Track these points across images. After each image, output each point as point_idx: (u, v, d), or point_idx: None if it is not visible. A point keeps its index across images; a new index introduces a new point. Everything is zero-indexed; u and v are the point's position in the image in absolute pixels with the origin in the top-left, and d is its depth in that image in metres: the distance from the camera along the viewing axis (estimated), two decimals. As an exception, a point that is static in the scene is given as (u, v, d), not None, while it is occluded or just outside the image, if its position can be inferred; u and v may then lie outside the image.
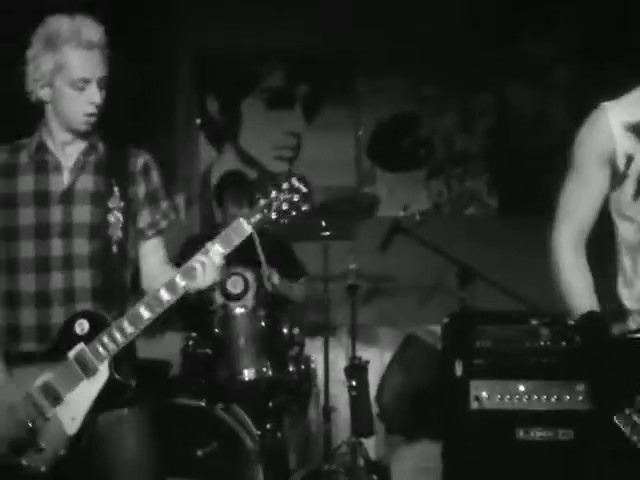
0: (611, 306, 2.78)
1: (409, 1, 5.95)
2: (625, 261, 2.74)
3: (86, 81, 2.87)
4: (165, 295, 2.83)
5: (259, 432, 4.39)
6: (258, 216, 2.81)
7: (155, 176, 3.08)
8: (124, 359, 2.89)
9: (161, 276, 2.97)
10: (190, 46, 6.11)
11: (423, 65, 6.07)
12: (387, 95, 6.18)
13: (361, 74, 6.17)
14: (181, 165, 6.13)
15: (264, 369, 4.47)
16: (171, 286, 2.83)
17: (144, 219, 3.06)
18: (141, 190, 3.04)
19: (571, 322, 2.76)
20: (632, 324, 2.72)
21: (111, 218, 2.95)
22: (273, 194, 2.80)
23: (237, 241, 2.82)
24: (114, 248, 2.94)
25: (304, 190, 2.80)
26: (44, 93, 2.92)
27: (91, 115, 2.92)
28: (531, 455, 4.42)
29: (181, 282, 2.83)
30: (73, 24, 2.86)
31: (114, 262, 2.96)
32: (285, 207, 2.79)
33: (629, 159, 2.67)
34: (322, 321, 5.07)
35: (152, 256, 3.10)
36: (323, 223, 4.94)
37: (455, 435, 4.61)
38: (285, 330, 4.66)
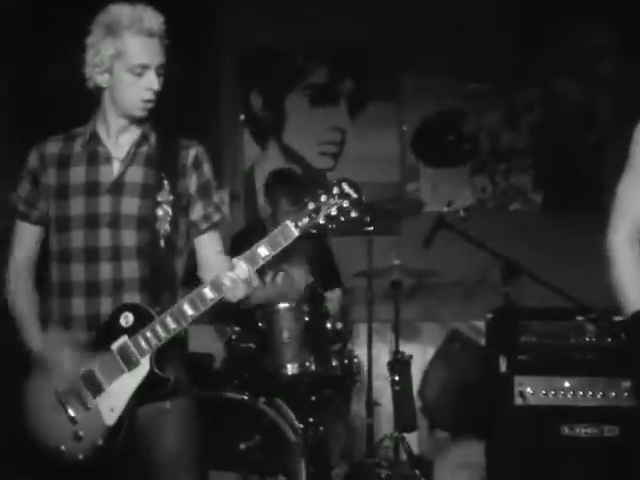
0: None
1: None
2: None
3: (145, 67, 2.90)
4: (209, 293, 2.83)
5: (302, 426, 4.40)
6: (306, 220, 2.79)
7: (207, 168, 3.08)
8: (167, 354, 2.90)
9: (217, 268, 2.97)
10: (235, 41, 6.12)
11: (469, 61, 6.04)
12: (432, 91, 6.16)
13: (406, 70, 6.14)
14: (226, 160, 6.15)
15: (307, 363, 4.48)
16: (216, 285, 2.84)
17: (197, 212, 3.07)
18: (192, 183, 3.05)
19: (619, 319, 2.73)
20: None
21: (159, 212, 2.96)
22: (323, 198, 2.77)
23: (284, 244, 2.80)
24: (162, 242, 2.96)
25: (354, 196, 2.77)
26: (102, 79, 2.94)
27: (148, 101, 2.94)
28: (576, 451, 4.41)
29: (226, 282, 2.83)
30: (134, 12, 2.89)
31: (162, 254, 2.97)
32: (334, 213, 2.77)
33: None
34: (366, 316, 5.05)
35: (207, 248, 3.11)
36: (367, 218, 4.92)
37: (499, 431, 4.60)
38: (328, 325, 4.66)
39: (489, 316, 4.88)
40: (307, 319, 4.54)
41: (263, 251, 2.82)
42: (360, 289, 5.30)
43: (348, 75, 6.20)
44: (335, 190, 2.77)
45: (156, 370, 2.86)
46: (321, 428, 4.61)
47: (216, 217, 3.10)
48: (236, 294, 2.88)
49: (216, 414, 4.19)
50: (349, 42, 6.06)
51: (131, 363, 2.87)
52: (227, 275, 2.82)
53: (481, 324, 5.13)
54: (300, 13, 5.99)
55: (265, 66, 6.18)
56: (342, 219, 2.78)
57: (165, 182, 2.98)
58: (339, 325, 4.74)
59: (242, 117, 6.18)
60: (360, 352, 4.96)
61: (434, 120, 6.20)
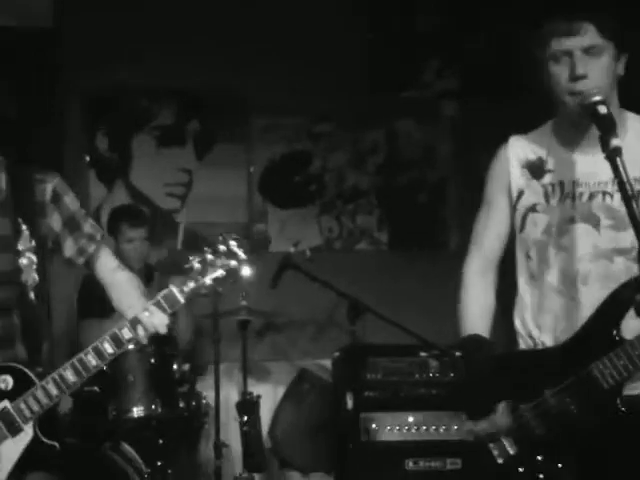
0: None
1: (301, 40, 6.01)
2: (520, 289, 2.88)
3: None
4: (92, 360, 2.75)
5: (149, 470, 4.35)
6: (192, 284, 2.69)
7: (69, 201, 2.94)
8: (51, 419, 2.81)
9: (122, 285, 2.96)
10: (80, 83, 6.04)
11: (315, 103, 6.13)
12: (279, 132, 6.22)
13: (253, 111, 6.19)
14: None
15: (153, 406, 4.44)
16: (98, 352, 2.75)
17: (69, 248, 2.95)
18: (55, 220, 2.92)
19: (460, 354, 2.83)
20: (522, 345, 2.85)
21: (23, 261, 2.84)
22: (209, 257, 2.67)
23: (169, 311, 2.72)
24: (31, 294, 2.85)
25: (242, 256, 2.67)
26: None
27: None
28: (421, 485, 4.49)
29: (109, 349, 2.75)
30: None
31: (32, 307, 2.86)
32: (220, 273, 2.68)
33: (519, 194, 2.78)
34: (213, 357, 5.03)
35: (101, 272, 3.02)
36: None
37: (347, 468, 4.65)
38: (175, 366, 4.62)
39: (336, 354, 4.95)
40: (153, 361, 4.50)
41: (148, 315, 2.73)
42: (207, 330, 5.27)
43: (195, 116, 6.20)
44: (222, 248, 2.67)
45: (42, 437, 2.77)
46: (169, 471, 4.56)
47: (91, 248, 2.98)
48: (155, 322, 2.75)
49: (60, 462, 4.09)
50: (197, 83, 6.06)
51: (14, 429, 2.76)
52: (107, 342, 2.73)
53: (329, 363, 5.18)
54: (147, 54, 5.97)
55: (111, 108, 6.13)
56: (230, 280, 2.69)
57: (23, 227, 2.84)
58: (186, 366, 4.71)
59: (87, 158, 6.10)
60: (209, 393, 4.94)
61: (281, 161, 6.26)
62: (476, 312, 2.84)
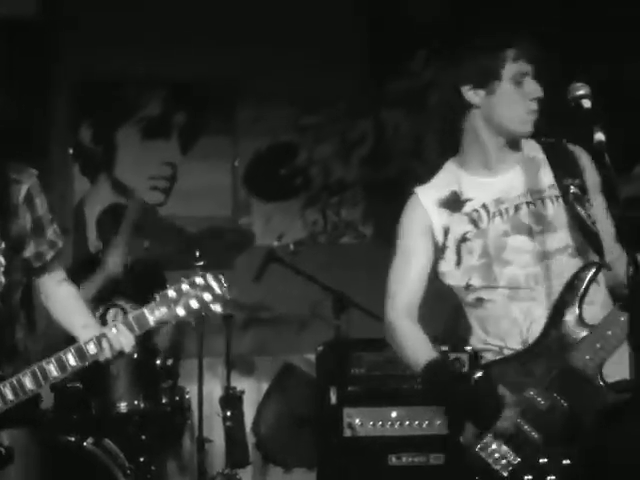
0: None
1: (288, 31, 5.99)
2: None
3: None
4: (53, 371, 2.71)
5: (132, 466, 4.33)
6: (164, 310, 2.66)
7: (39, 203, 2.90)
8: (4, 420, 2.75)
9: (63, 299, 2.93)
10: (64, 74, 6.02)
11: (301, 94, 6.11)
12: (265, 125, 6.19)
13: (239, 103, 6.16)
14: (54, 195, 6.01)
15: (136, 401, 4.43)
16: (60, 363, 2.72)
17: (29, 250, 2.91)
18: (27, 221, 2.88)
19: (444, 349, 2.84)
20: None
21: None
22: (184, 288, 2.66)
23: (137, 332, 2.71)
24: None
25: (217, 291, 2.66)
26: None
27: None
28: (403, 480, 4.50)
29: (71, 361, 2.71)
30: None
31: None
32: (194, 304, 2.65)
33: (446, 231, 2.85)
34: (197, 351, 5.02)
35: (48, 281, 2.99)
36: (197, 253, 4.89)
37: (329, 463, 4.65)
38: (158, 361, 4.62)
39: (320, 349, 4.94)
40: (135, 356, 4.47)
41: (116, 332, 2.71)
42: (190, 324, 5.25)
43: (181, 108, 6.17)
44: (198, 280, 2.66)
45: None
46: (152, 467, 4.55)
47: (49, 255, 2.95)
48: (122, 342, 2.74)
49: (43, 458, 4.07)
50: (184, 75, 6.04)
51: None
52: (71, 354, 2.71)
53: (314, 357, 5.17)
54: (134, 45, 5.93)
55: (97, 99, 6.10)
56: (202, 313, 2.68)
57: None
58: (169, 361, 4.71)
59: (71, 151, 6.07)
60: (192, 388, 4.93)
61: (266, 153, 6.24)
62: (418, 340, 2.89)
